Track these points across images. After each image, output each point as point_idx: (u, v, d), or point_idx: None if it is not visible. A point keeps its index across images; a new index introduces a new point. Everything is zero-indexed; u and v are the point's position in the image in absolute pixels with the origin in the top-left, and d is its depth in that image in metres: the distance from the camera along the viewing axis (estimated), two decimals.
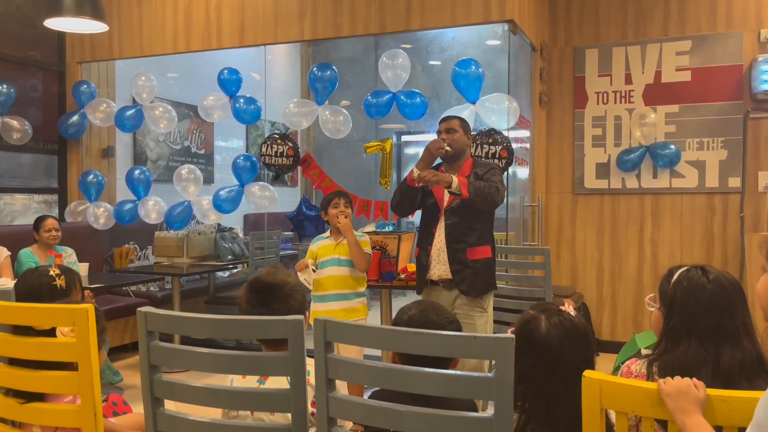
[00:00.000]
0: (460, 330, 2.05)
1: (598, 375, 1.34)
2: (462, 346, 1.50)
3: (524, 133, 5.02)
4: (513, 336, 1.42)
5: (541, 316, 1.60)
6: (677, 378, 1.30)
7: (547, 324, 1.58)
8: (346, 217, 3.50)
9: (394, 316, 1.96)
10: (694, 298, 1.55)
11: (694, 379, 1.30)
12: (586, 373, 1.35)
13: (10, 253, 4.34)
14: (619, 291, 5.29)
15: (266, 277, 2.01)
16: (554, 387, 1.52)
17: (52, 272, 2.28)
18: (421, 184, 3.16)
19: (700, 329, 1.52)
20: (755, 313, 1.55)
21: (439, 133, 3.31)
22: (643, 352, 1.91)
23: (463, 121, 3.34)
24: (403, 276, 3.94)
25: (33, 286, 2.25)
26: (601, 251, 5.34)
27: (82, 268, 4.48)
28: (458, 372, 1.48)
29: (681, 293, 1.57)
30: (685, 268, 1.61)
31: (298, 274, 3.42)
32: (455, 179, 3.05)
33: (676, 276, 1.60)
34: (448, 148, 3.17)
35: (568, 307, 1.66)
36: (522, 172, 5.13)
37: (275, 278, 1.99)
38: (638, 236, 5.23)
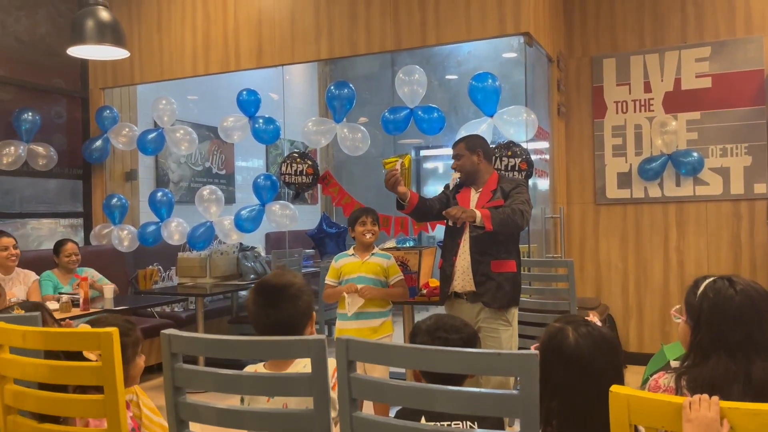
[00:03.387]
0: (475, 333, 2.03)
1: (626, 390, 1.31)
2: (486, 363, 1.48)
3: (543, 145, 4.99)
4: (537, 352, 1.40)
5: (567, 328, 1.57)
6: (704, 405, 1.26)
7: (575, 334, 1.55)
8: (373, 235, 3.52)
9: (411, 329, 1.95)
10: (722, 310, 1.51)
11: (720, 411, 1.25)
12: (614, 388, 1.32)
13: (38, 277, 4.40)
14: (645, 301, 5.21)
15: (273, 279, 1.97)
16: (587, 399, 1.48)
17: (15, 311, 2.22)
18: (408, 210, 3.40)
19: (730, 342, 1.48)
20: None
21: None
22: (672, 363, 1.86)
23: (467, 141, 3.36)
24: (424, 291, 3.92)
25: None
26: (625, 261, 5.27)
27: (107, 291, 4.52)
28: (483, 390, 1.46)
29: (708, 306, 1.53)
30: (711, 279, 1.58)
31: (346, 296, 3.41)
32: (478, 214, 3.06)
33: (702, 287, 1.57)
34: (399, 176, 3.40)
35: (594, 318, 1.63)
36: (542, 183, 5.10)
37: (282, 279, 1.95)
38: (663, 245, 5.15)
